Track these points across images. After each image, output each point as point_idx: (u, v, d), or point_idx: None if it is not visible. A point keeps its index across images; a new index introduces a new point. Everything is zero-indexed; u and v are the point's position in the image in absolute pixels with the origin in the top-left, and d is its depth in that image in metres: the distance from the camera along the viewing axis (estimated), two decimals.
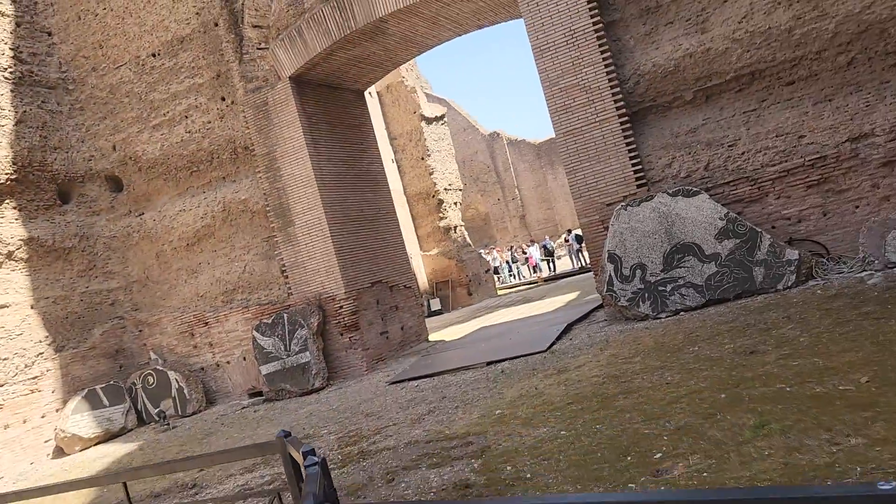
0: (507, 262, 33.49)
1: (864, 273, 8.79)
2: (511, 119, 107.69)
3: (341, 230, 13.12)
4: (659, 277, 9.95)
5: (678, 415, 5.23)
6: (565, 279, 26.27)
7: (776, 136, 9.98)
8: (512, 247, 37.54)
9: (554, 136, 11.14)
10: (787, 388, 5.13)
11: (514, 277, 32.39)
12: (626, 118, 10.66)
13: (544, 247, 30.94)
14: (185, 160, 14.11)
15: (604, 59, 10.66)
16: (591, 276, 24.24)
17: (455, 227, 25.77)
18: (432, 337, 15.51)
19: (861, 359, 5.38)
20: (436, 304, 24.55)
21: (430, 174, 25.59)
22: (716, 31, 10.21)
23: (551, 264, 30.24)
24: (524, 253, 33.67)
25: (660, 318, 9.87)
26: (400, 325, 14.26)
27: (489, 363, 10.23)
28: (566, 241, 30.80)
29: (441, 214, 25.53)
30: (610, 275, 10.26)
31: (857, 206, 9.52)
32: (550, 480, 4.59)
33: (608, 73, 10.65)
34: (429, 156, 25.67)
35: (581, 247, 28.88)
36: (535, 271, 30.90)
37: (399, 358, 13.49)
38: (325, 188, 12.97)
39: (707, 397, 5.48)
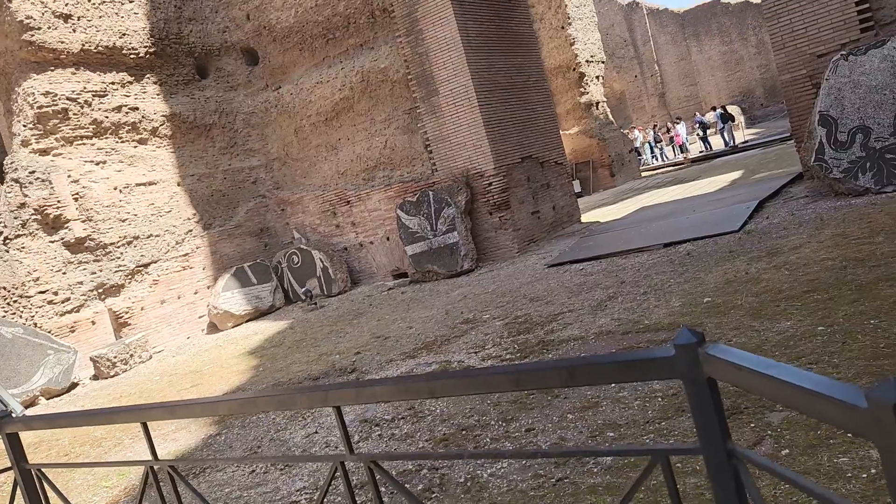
0: (650, 142, 31.12)
1: None
2: None
3: (489, 99, 11.85)
4: (888, 143, 8.09)
5: None
6: (719, 159, 23.93)
7: None
8: (656, 125, 34.89)
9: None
10: None
11: (657, 159, 30.12)
12: None
13: (700, 122, 28.25)
14: (321, 27, 13.12)
15: None
16: (750, 154, 21.89)
17: (597, 104, 23.82)
18: (584, 218, 14.26)
19: None
20: (576, 186, 23.08)
21: (571, 45, 23.47)
22: None
23: (707, 142, 27.69)
24: (669, 132, 31.14)
25: (885, 192, 8.11)
26: (552, 204, 13.08)
27: (666, 245, 8.93)
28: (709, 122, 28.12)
29: (582, 89, 23.57)
30: (821, 141, 8.49)
31: None
32: None
33: None
34: (569, 24, 23.46)
35: (726, 125, 26.16)
36: (681, 151, 28.48)
37: (552, 240, 12.40)
38: (471, 52, 11.63)
39: None
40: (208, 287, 12.93)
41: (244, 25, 13.94)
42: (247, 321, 12.88)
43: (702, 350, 0.98)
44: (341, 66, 13.13)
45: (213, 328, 12.83)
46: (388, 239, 13.10)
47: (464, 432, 4.37)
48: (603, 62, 25.31)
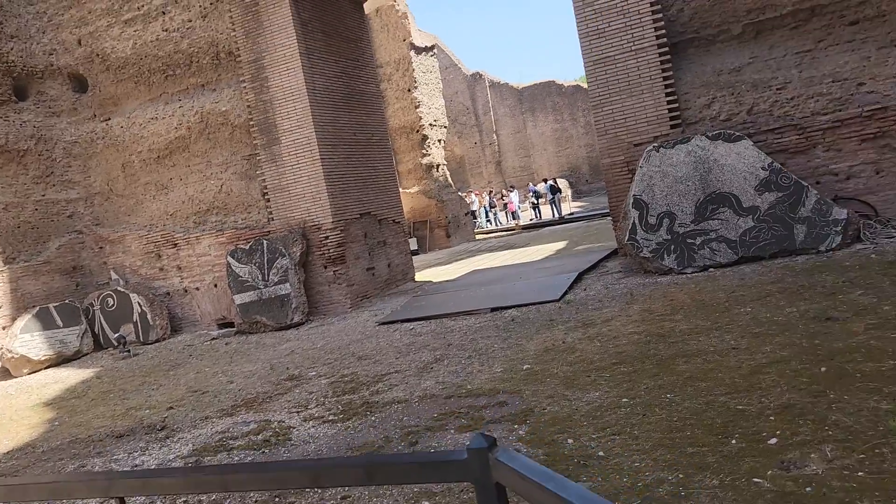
0: (485, 206, 32.47)
1: None
2: (494, 61, 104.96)
3: (332, 153, 11.87)
4: (689, 229, 9.02)
5: (773, 389, 4.32)
6: (546, 228, 25.44)
7: (832, 82, 9.00)
8: (491, 191, 36.50)
9: (584, 68, 9.99)
10: None
11: (491, 223, 31.44)
12: (666, 49, 9.55)
13: (533, 191, 29.94)
14: (161, 62, 12.58)
15: None
16: (574, 226, 23.48)
17: (438, 166, 24.59)
18: (418, 277, 14.51)
19: None
20: (413, 244, 23.50)
21: (416, 107, 24.18)
22: None
23: (538, 210, 29.35)
24: (503, 198, 32.71)
25: (685, 272, 8.98)
26: (387, 261, 13.19)
27: (493, 309, 9.27)
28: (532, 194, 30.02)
29: (424, 151, 24.27)
30: (634, 222, 9.29)
31: None
32: (636, 463, 3.65)
33: None
34: (416, 88, 24.20)
35: (555, 197, 28.00)
36: (513, 217, 29.97)
37: (385, 297, 12.47)
38: (317, 105, 11.65)
39: (801, 370, 4.58)
40: (4, 327, 11.64)
41: (74, 50, 13.07)
42: (47, 367, 11.68)
43: (492, 455, 1.02)
44: (180, 104, 12.62)
45: (5, 374, 11.50)
46: (215, 286, 12.53)
47: None
48: (445, 127, 26.27)
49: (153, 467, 5.32)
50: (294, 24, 11.40)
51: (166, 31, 12.39)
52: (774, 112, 9.26)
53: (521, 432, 4.47)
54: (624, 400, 4.69)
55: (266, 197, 12.04)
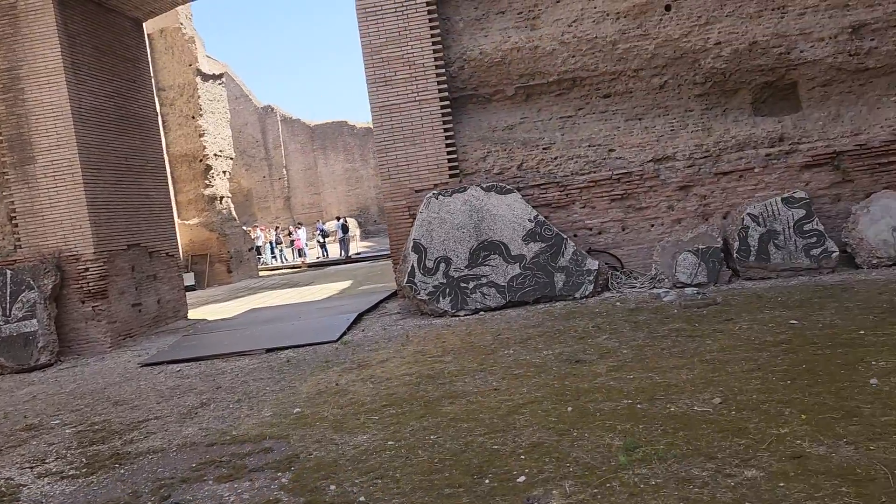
0: (271, 242, 31.69)
1: (658, 290, 9.06)
2: (287, 96, 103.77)
3: (98, 178, 10.92)
4: (463, 273, 9.48)
5: (526, 428, 4.62)
6: (332, 266, 25.39)
7: (588, 146, 10.04)
8: (277, 227, 35.72)
9: (371, 114, 10.21)
10: (638, 405, 4.76)
11: (276, 259, 30.72)
12: (447, 103, 10.09)
13: (321, 230, 29.75)
14: None
15: (432, 36, 9.99)
16: (360, 266, 23.68)
17: (221, 198, 23.66)
18: (193, 314, 13.70)
19: (699, 377, 5.20)
20: (189, 279, 22.18)
21: (201, 136, 23.15)
22: (545, 30, 10.02)
23: (325, 249, 29.19)
24: (290, 235, 32.15)
25: (458, 315, 9.40)
26: (157, 297, 12.31)
27: (269, 350, 9.00)
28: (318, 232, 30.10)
29: (208, 181, 23.25)
30: (412, 265, 9.57)
31: (652, 225, 9.86)
32: None
33: (435, 51, 10.00)
34: (201, 115, 23.19)
35: (345, 236, 28.22)
36: (300, 255, 29.55)
37: (153, 336, 11.60)
38: (82, 124, 10.69)
39: (551, 409, 4.95)
40: None
41: None
42: None
43: None
44: None
45: None
46: None
47: None
48: (232, 158, 25.45)
49: None
50: (59, 35, 10.43)
51: None
52: (541, 169, 10.10)
53: (283, 480, 4.33)
54: (390, 442, 4.74)
55: (14, 221, 10.73)
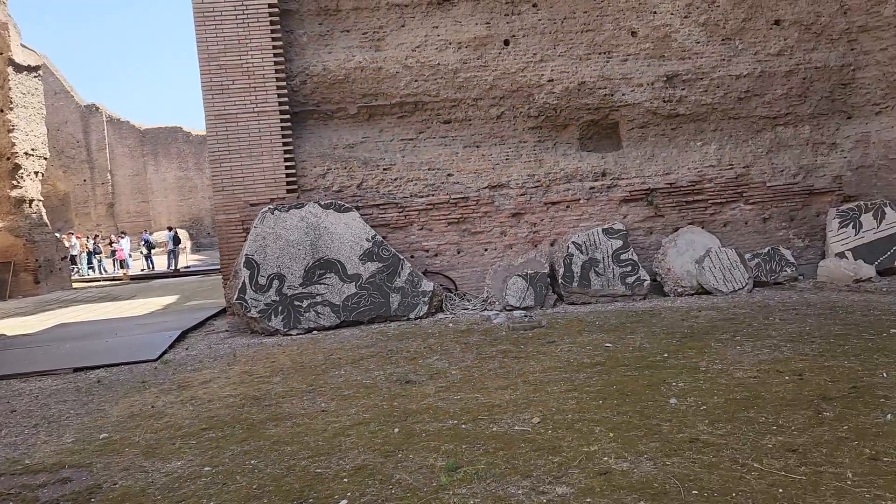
0: (90, 251, 29.30)
1: (488, 312, 9.36)
2: (115, 96, 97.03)
3: None
4: (297, 291, 9.27)
5: (351, 451, 4.56)
6: (158, 280, 23.92)
7: (428, 169, 10.23)
8: (97, 235, 33.12)
9: (205, 122, 9.78)
10: (463, 426, 4.86)
11: (94, 270, 28.45)
12: (287, 117, 9.89)
13: (146, 241, 27.91)
14: None
15: (274, 47, 9.78)
16: (189, 280, 22.49)
17: (31, 201, 21.61)
18: None
19: (522, 398, 5.41)
20: None
21: (10, 131, 21.07)
22: (390, 52, 10.13)
23: (150, 261, 27.42)
24: (112, 244, 29.90)
25: (290, 334, 9.17)
26: None
27: (77, 369, 8.26)
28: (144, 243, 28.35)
29: (15, 182, 21.15)
30: (244, 281, 9.22)
31: (486, 249, 10.20)
32: None
33: (276, 62, 9.80)
34: (12, 109, 21.13)
35: (177, 248, 26.78)
36: (122, 267, 27.55)
37: None
38: None
39: (378, 431, 4.92)
40: None
41: None
42: None
43: None
44: None
45: None
46: None
47: None
48: (46, 158, 23.35)
49: None
50: None
51: None
52: (381, 189, 10.15)
53: None
54: (206, 469, 4.49)
55: None
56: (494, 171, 10.26)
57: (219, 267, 24.20)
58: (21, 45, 21.77)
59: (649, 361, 6.18)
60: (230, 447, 4.88)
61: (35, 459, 5.05)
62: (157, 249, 28.66)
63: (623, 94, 10.36)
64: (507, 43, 10.23)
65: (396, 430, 4.92)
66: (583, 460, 4.01)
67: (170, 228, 29.53)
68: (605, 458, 4.00)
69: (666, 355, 6.35)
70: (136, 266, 28.30)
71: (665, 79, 10.30)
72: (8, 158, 20.62)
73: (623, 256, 9.63)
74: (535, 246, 10.20)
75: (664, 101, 10.34)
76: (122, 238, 28.69)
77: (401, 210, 10.08)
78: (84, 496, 4.22)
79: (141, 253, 28.21)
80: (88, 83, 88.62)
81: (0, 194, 20.73)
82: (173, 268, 26.20)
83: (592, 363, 6.33)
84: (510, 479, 3.84)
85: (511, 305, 9.47)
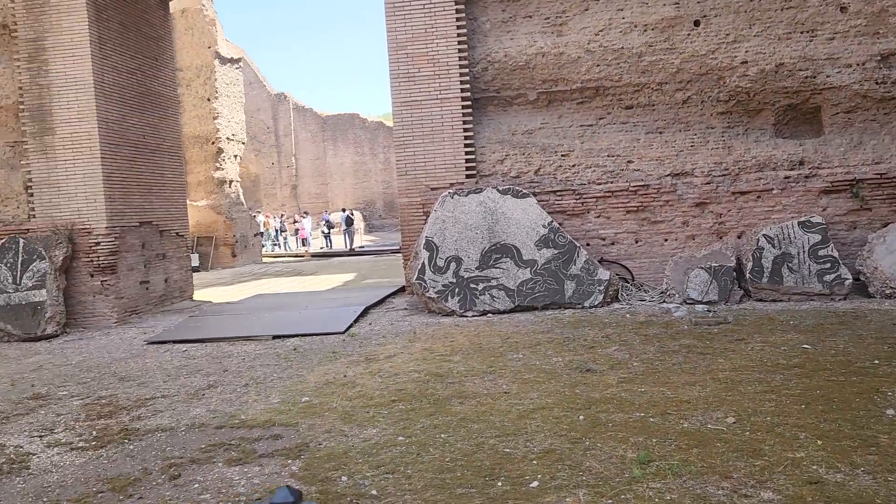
0: (276, 229, 31.68)
1: (668, 304, 9.06)
2: (300, 84, 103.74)
3: (115, 154, 10.94)
4: (473, 274, 9.48)
5: (537, 434, 4.62)
6: (336, 258, 25.38)
7: (607, 156, 10.04)
8: (283, 214, 35.71)
9: (392, 108, 10.22)
10: (651, 419, 4.76)
11: (279, 247, 30.72)
12: (469, 103, 10.09)
13: (326, 220, 29.71)
14: None
15: (458, 35, 10.00)
16: (364, 259, 23.66)
17: (231, 182, 23.68)
18: (197, 296, 13.72)
19: (712, 395, 5.20)
20: (194, 261, 22.20)
21: (215, 118, 23.16)
22: (572, 36, 10.02)
23: (329, 240, 29.18)
24: (295, 223, 32.10)
25: (465, 316, 9.40)
26: (165, 276, 12.33)
27: (276, 337, 9.01)
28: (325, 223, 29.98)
29: (218, 164, 23.25)
30: (423, 263, 9.57)
31: (666, 240, 9.85)
32: (407, 503, 3.69)
33: (460, 50, 10.01)
34: (216, 98, 23.21)
35: (350, 228, 28.19)
36: (303, 244, 29.55)
37: (158, 314, 11.61)
38: (104, 99, 10.71)
39: (562, 417, 4.95)
40: None
41: None
42: None
43: None
44: None
45: None
46: None
47: None
48: (243, 143, 25.45)
49: None
50: (87, 9, 10.44)
51: None
52: (558, 176, 10.10)
53: (294, 468, 4.33)
54: (400, 438, 4.74)
55: (29, 191, 10.75)
56: (678, 158, 9.86)
57: (391, 247, 25.39)
58: (224, 39, 23.84)
59: (857, 367, 5.70)
60: (420, 420, 5.11)
61: (248, 416, 5.58)
62: (334, 229, 30.40)
63: (827, 76, 9.54)
64: (697, 24, 9.76)
65: (581, 417, 4.91)
66: (788, 466, 3.79)
67: (344, 210, 31.23)
68: (814, 467, 3.76)
69: (877, 362, 5.82)
70: (316, 244, 30.20)
71: (879, 58, 9.36)
72: (212, 143, 22.73)
73: (821, 252, 8.92)
74: (720, 238, 9.71)
75: (877, 83, 9.40)
76: (305, 218, 30.74)
77: (578, 197, 9.98)
78: (294, 452, 4.60)
79: (322, 232, 30.04)
80: (277, 73, 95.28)
81: (205, 175, 22.93)
82: (349, 247, 27.68)
83: (789, 364, 5.95)
84: (708, 479, 3.71)
85: (692, 299, 9.09)
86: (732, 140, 9.85)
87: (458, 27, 9.95)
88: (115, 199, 10.83)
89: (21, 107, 10.68)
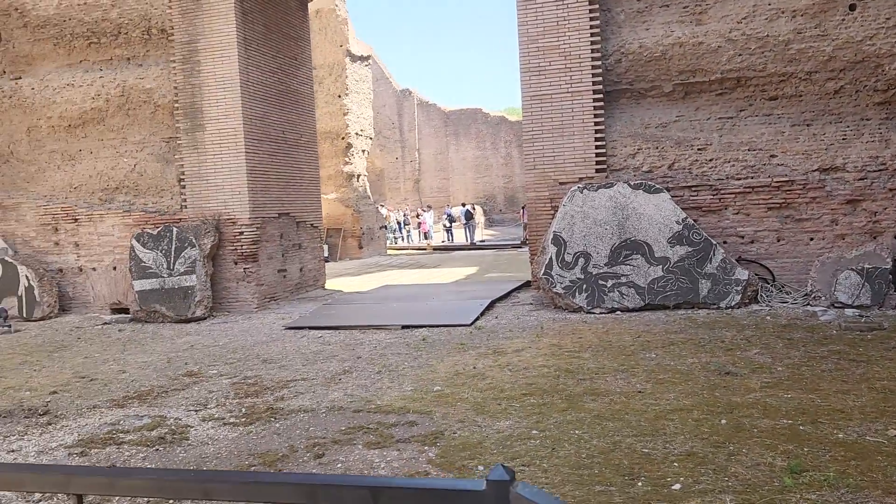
0: (399, 222, 32.46)
1: (813, 307, 8.53)
2: (423, 78, 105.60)
3: (257, 148, 11.58)
4: (602, 270, 9.31)
5: (677, 436, 4.49)
6: (457, 251, 25.66)
7: (748, 150, 9.56)
8: (407, 208, 36.50)
9: (521, 102, 10.21)
10: (801, 427, 4.51)
11: (402, 240, 31.44)
12: (600, 96, 9.90)
13: (449, 214, 30.11)
14: (86, 27, 11.94)
15: (591, 27, 9.82)
16: (485, 253, 23.78)
17: (359, 176, 24.44)
18: (328, 285, 14.29)
19: (869, 405, 4.86)
20: (324, 251, 23.14)
21: (345, 114, 23.97)
22: (712, 25, 9.60)
23: (450, 233, 29.57)
24: (418, 217, 32.74)
25: (593, 312, 9.25)
26: (300, 265, 12.93)
27: (405, 327, 9.23)
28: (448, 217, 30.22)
29: (347, 159, 24.05)
30: (551, 258, 9.50)
31: (812, 239, 9.28)
32: None
33: (592, 42, 9.83)
34: (347, 95, 24.01)
35: (470, 222, 28.36)
36: (425, 237, 30.09)
37: (293, 301, 12.20)
38: (249, 97, 11.36)
39: (702, 419, 4.78)
40: None
41: None
42: None
43: (513, 489, 1.00)
44: (101, 74, 12.00)
45: None
46: (114, 268, 11.91)
47: None
48: (371, 138, 26.19)
49: (32, 457, 4.96)
50: (235, 12, 11.10)
51: None
52: (693, 170, 9.73)
53: (430, 454, 4.44)
54: (534, 432, 4.74)
55: (182, 183, 11.58)
56: (827, 152, 9.24)
57: (511, 242, 25.34)
58: (355, 38, 24.62)
59: None
60: (553, 415, 5.09)
61: (383, 401, 5.77)
62: (456, 223, 30.75)
63: None
64: (852, 8, 9.09)
65: (723, 421, 4.72)
66: None
67: (463, 204, 31.50)
68: None
69: None
70: (437, 238, 30.66)
71: None
72: (342, 138, 23.56)
73: None
74: (874, 238, 9.02)
75: None
76: (427, 211, 31.29)
77: (714, 193, 9.57)
78: (430, 439, 4.72)
79: (443, 226, 30.45)
80: (402, 69, 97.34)
81: (334, 169, 23.81)
82: (470, 241, 27.91)
83: None
84: (870, 494, 3.48)
85: (841, 302, 8.51)
86: (891, 133, 9.11)
87: (591, 19, 9.78)
88: (257, 192, 11.47)
89: (175, 105, 11.51)
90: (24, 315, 11.57)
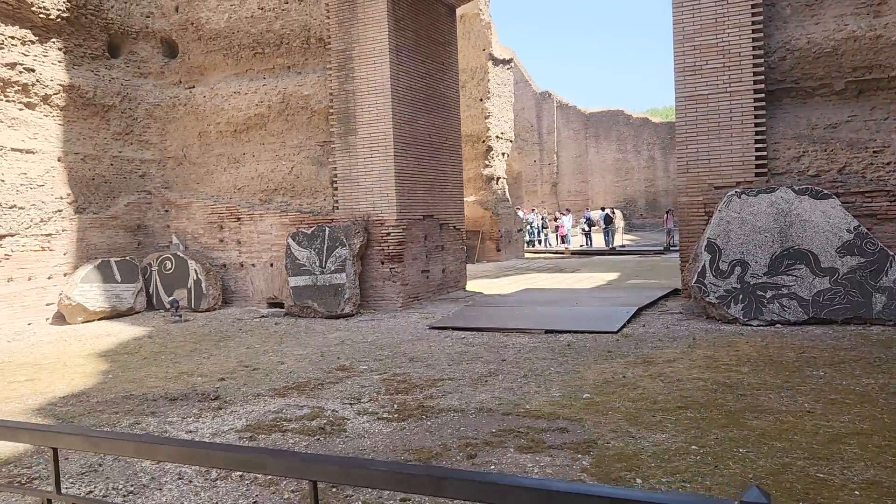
0: (535, 226, 32.23)
1: None
2: (563, 80, 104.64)
3: (405, 151, 11.91)
4: (760, 280, 8.78)
5: (856, 462, 4.14)
6: (597, 256, 25.14)
7: None
8: (545, 211, 36.24)
9: (675, 103, 9.85)
10: None
11: (540, 243, 31.21)
12: (762, 96, 9.35)
13: (587, 218, 29.63)
14: (252, 39, 12.79)
15: (753, 23, 9.30)
16: (625, 259, 23.14)
17: (498, 179, 24.56)
18: (468, 287, 14.44)
19: None
20: None
21: (486, 118, 24.17)
22: (893, 17, 8.81)
23: (589, 238, 29.07)
24: (556, 220, 32.39)
25: (750, 324, 8.74)
26: (442, 266, 13.17)
27: (548, 331, 9.15)
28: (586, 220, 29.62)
29: (487, 162, 24.23)
30: (704, 265, 9.08)
31: None
32: None
33: (754, 39, 9.30)
34: (488, 98, 24.20)
35: (609, 227, 27.66)
36: (563, 241, 29.70)
37: (436, 301, 12.44)
38: (398, 102, 11.70)
39: (884, 446, 4.38)
40: (65, 274, 11.91)
41: (170, 16, 13.37)
42: (100, 319, 11.92)
43: None
44: (264, 83, 12.81)
45: (59, 319, 11.77)
46: (271, 265, 12.66)
47: None
48: (511, 141, 26.23)
49: (207, 436, 5.35)
50: (388, 20, 11.47)
51: (262, 9, 12.59)
52: (868, 175, 8.98)
53: (584, 463, 4.36)
54: (693, 447, 4.54)
55: (334, 185, 12.12)
56: None
57: (653, 248, 24.50)
58: (498, 41, 24.76)
59: None
60: (712, 431, 4.85)
61: (532, 406, 5.73)
62: (595, 227, 30.16)
63: None
64: None
65: None
66: None
67: (602, 209, 30.80)
68: None
69: None
70: (575, 242, 30.21)
71: None
72: (483, 141, 23.76)
73: None
74: None
75: None
76: (565, 215, 30.90)
77: (893, 199, 8.76)
78: (583, 447, 4.63)
79: (581, 230, 29.98)
80: (541, 72, 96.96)
81: (474, 172, 24.05)
82: (609, 246, 27.28)
83: None
84: None
85: None
86: None
87: (753, 14, 9.26)
88: (403, 194, 11.79)
89: (330, 110, 12.07)
90: (192, 306, 12.55)
